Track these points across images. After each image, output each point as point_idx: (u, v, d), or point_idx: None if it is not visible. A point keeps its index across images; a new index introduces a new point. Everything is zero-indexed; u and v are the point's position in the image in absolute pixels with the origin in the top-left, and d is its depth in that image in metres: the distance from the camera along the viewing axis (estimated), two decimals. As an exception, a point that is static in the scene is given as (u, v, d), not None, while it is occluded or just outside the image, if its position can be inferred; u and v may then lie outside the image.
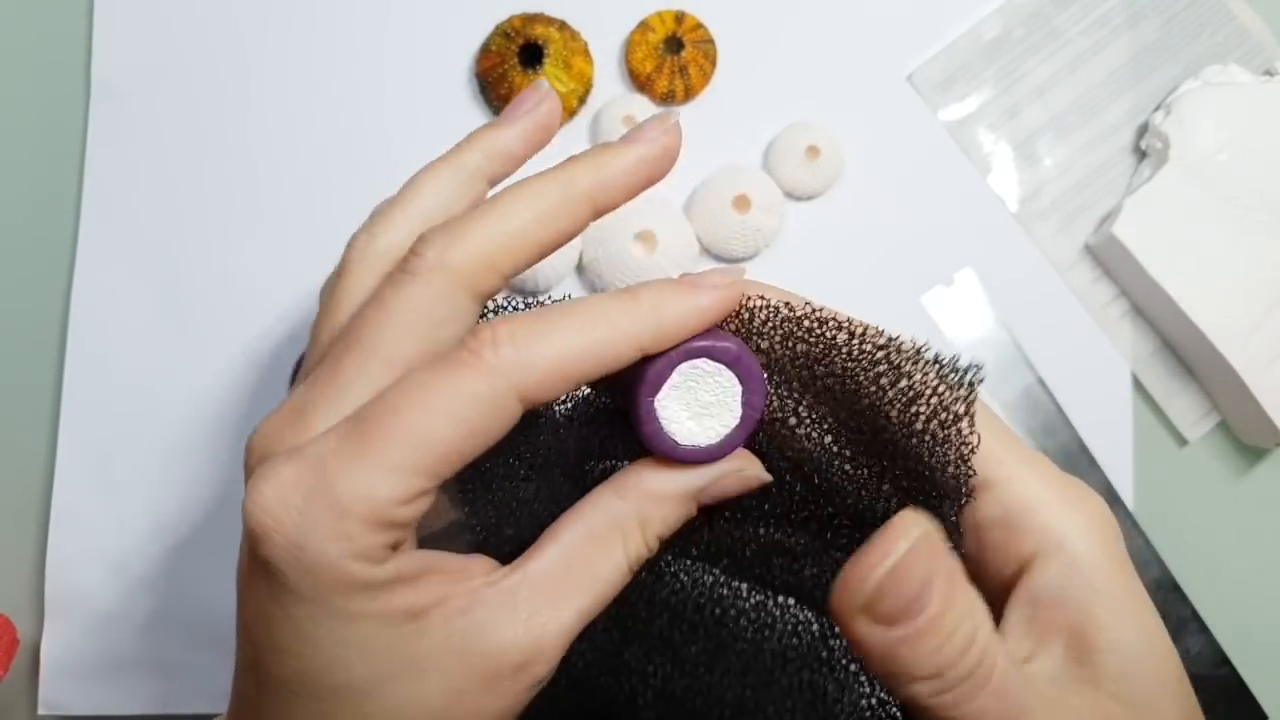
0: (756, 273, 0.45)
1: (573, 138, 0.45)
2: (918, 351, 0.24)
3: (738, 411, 0.24)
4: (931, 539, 0.21)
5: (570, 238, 0.25)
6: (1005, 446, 0.24)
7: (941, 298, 0.45)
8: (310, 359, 0.25)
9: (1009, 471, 0.24)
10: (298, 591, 0.22)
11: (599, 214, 0.25)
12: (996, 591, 0.24)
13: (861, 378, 0.24)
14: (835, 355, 0.25)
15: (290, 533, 0.21)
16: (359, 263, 0.26)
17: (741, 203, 0.43)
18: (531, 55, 0.44)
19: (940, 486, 0.24)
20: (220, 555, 0.44)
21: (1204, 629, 0.44)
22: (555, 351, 0.22)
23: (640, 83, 0.45)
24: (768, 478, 0.26)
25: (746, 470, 0.25)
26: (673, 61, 0.44)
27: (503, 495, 0.27)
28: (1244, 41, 0.46)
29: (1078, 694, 0.22)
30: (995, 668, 0.21)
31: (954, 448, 0.23)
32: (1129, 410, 0.45)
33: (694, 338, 0.24)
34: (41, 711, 0.43)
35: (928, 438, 0.23)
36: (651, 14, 0.45)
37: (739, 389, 0.24)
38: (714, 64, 0.45)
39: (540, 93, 0.28)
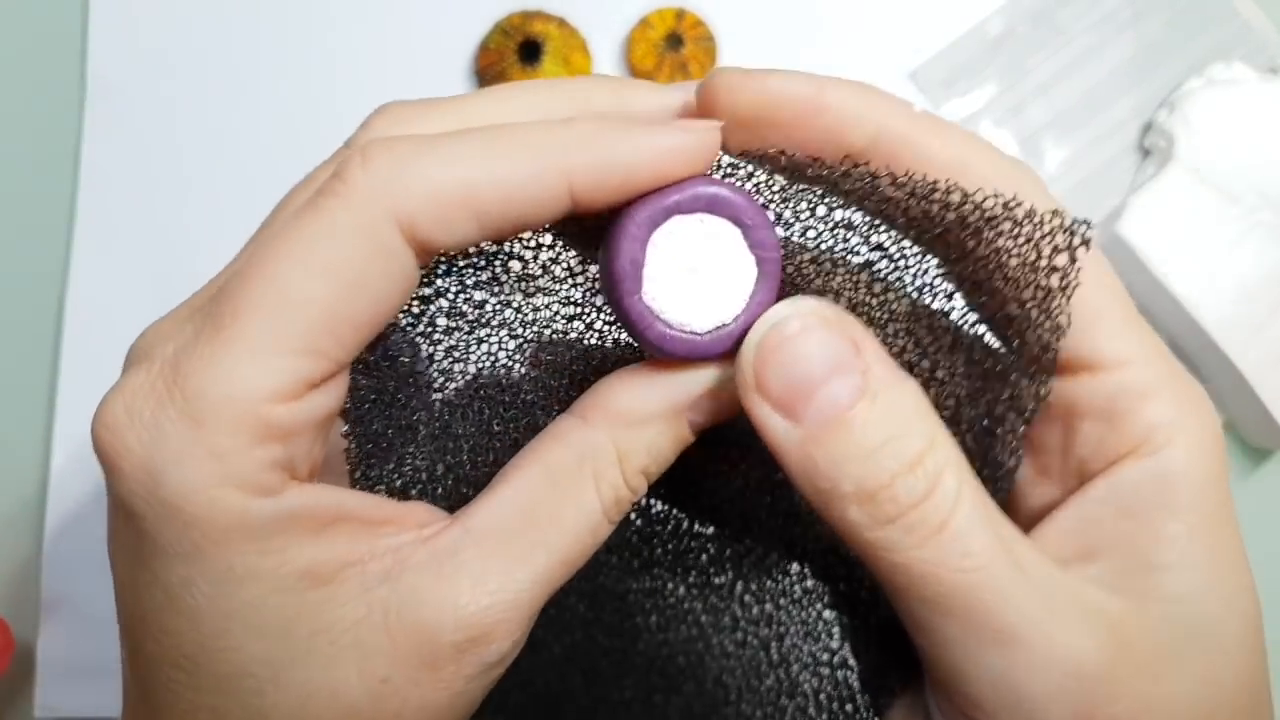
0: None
1: (572, 136, 0.45)
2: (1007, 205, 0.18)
3: (751, 260, 0.18)
4: (839, 323, 0.18)
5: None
6: (1123, 318, 0.19)
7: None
8: None
9: (1123, 351, 0.19)
10: (161, 543, 0.17)
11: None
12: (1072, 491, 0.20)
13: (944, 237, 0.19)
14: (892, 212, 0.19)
15: (141, 457, 0.16)
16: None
17: (743, 201, 0.43)
18: (530, 52, 0.44)
19: (1024, 358, 0.19)
20: (217, 556, 0.43)
21: (1208, 630, 0.43)
22: (449, 172, 0.17)
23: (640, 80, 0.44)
24: None
25: None
26: (673, 59, 0.44)
27: (442, 415, 0.21)
28: (1248, 39, 0.46)
29: (1111, 599, 0.18)
30: (956, 515, 0.17)
31: (1049, 313, 0.18)
32: (1133, 410, 0.44)
33: (653, 194, 0.18)
34: (38, 714, 0.43)
35: (1022, 305, 0.19)
36: (651, 11, 0.45)
37: (738, 233, 0.18)
38: (714, 61, 0.45)
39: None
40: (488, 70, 0.44)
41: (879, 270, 0.20)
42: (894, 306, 0.20)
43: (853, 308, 0.20)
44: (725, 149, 0.19)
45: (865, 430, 0.17)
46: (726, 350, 0.18)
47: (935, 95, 0.45)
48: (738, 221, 0.18)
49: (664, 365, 0.19)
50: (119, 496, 0.17)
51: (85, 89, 0.45)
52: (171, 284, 0.44)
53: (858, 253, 0.20)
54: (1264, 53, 0.46)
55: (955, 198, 0.18)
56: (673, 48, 0.44)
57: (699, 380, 0.19)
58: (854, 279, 0.20)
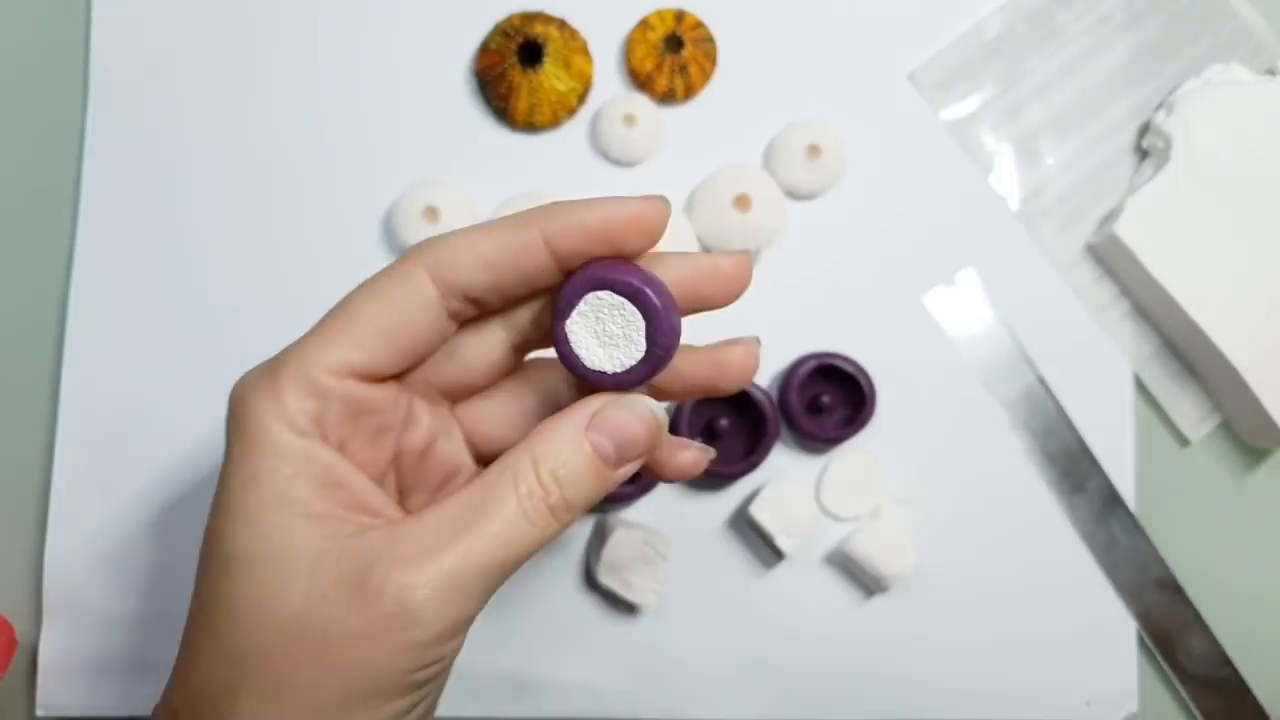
0: (757, 272, 0.45)
1: (573, 137, 0.45)
2: None
3: (642, 346, 0.26)
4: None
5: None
6: None
7: (943, 297, 0.45)
8: None
9: None
10: (231, 449, 0.25)
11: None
12: None
13: None
14: None
15: (237, 393, 0.26)
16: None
17: (742, 202, 0.43)
18: (531, 54, 0.44)
19: None
20: (219, 556, 0.44)
21: (1206, 629, 0.44)
22: (466, 238, 0.26)
23: (640, 81, 0.45)
24: (659, 415, 0.27)
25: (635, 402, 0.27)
26: (673, 60, 0.44)
27: None
28: (1246, 40, 0.46)
29: None
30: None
31: None
32: (1130, 410, 0.44)
33: (606, 268, 0.26)
34: (39, 713, 0.43)
35: None
36: (651, 12, 0.45)
37: (642, 324, 0.26)
38: (714, 62, 0.45)
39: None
40: (488, 71, 0.44)
41: None
42: None
43: None
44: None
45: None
46: (601, 385, 0.27)
47: (932, 97, 0.46)
48: (647, 317, 0.26)
49: (576, 395, 0.28)
50: (226, 426, 0.26)
51: (88, 90, 0.45)
52: (173, 285, 0.44)
53: None
54: (1262, 54, 0.46)
55: None
56: (672, 49, 0.44)
57: (590, 409, 0.26)
58: None
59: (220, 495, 0.25)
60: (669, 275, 0.27)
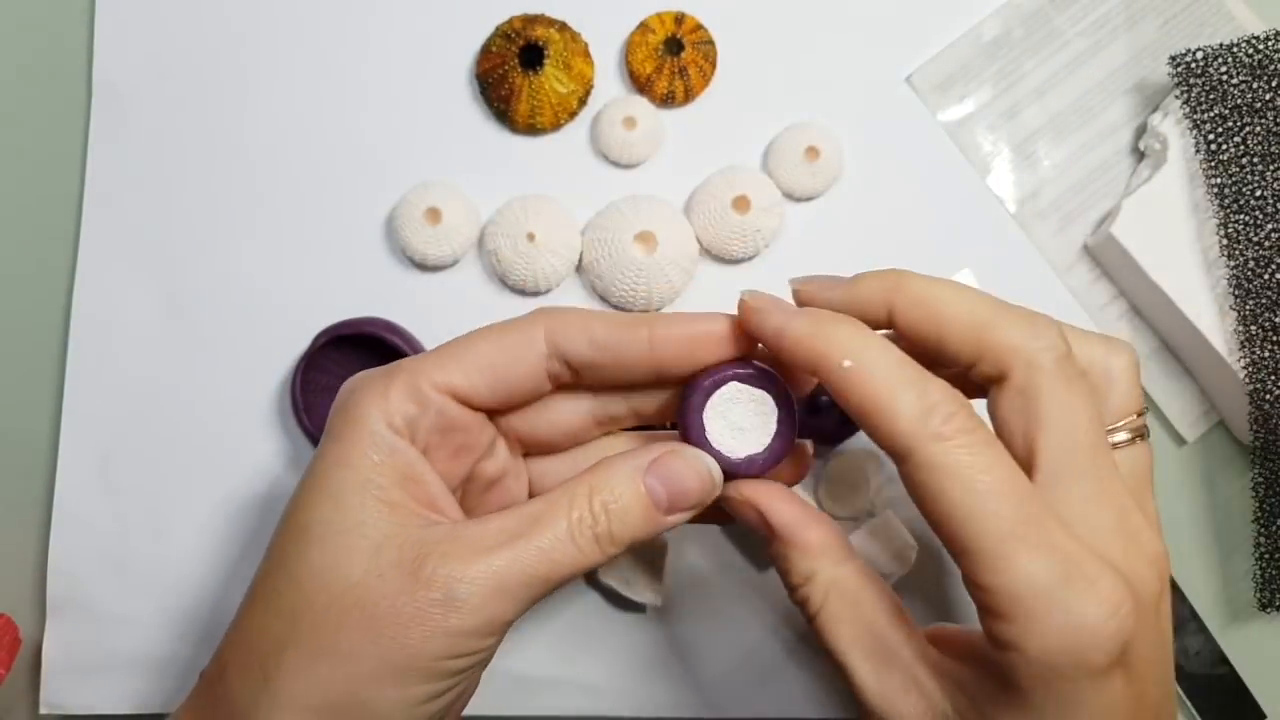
0: (756, 273, 0.45)
1: (573, 139, 0.45)
2: None
3: (768, 437, 0.29)
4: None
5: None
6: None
7: (941, 298, 0.45)
8: None
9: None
10: (331, 430, 0.28)
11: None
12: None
13: None
14: None
15: (352, 384, 0.29)
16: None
17: (741, 203, 0.43)
18: (532, 56, 0.44)
19: None
20: (221, 555, 0.44)
21: (1202, 629, 0.44)
22: (584, 315, 0.29)
23: (640, 84, 0.45)
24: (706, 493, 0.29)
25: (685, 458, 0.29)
26: (672, 63, 0.44)
27: None
28: (1242, 42, 0.46)
29: None
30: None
31: None
32: (1127, 410, 0.45)
33: (740, 365, 0.29)
34: (43, 710, 0.43)
35: None
36: (651, 15, 0.45)
37: (775, 417, 0.29)
38: (714, 65, 0.45)
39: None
40: (489, 74, 0.44)
41: None
42: None
43: None
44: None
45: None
46: (747, 473, 0.29)
47: (930, 99, 0.46)
48: (781, 408, 0.29)
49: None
50: (331, 411, 0.29)
51: (91, 93, 0.45)
52: (176, 286, 0.45)
53: None
54: (1257, 56, 0.46)
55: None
56: (672, 52, 0.44)
57: (651, 454, 0.29)
58: None
59: (311, 470, 0.28)
60: None
